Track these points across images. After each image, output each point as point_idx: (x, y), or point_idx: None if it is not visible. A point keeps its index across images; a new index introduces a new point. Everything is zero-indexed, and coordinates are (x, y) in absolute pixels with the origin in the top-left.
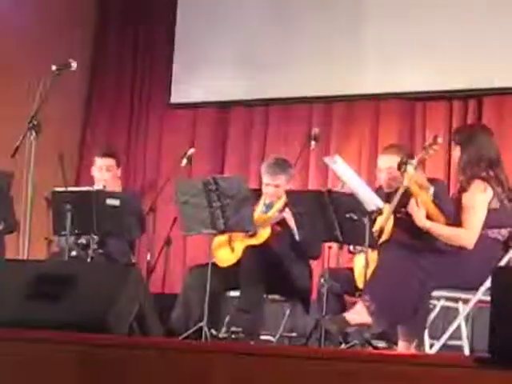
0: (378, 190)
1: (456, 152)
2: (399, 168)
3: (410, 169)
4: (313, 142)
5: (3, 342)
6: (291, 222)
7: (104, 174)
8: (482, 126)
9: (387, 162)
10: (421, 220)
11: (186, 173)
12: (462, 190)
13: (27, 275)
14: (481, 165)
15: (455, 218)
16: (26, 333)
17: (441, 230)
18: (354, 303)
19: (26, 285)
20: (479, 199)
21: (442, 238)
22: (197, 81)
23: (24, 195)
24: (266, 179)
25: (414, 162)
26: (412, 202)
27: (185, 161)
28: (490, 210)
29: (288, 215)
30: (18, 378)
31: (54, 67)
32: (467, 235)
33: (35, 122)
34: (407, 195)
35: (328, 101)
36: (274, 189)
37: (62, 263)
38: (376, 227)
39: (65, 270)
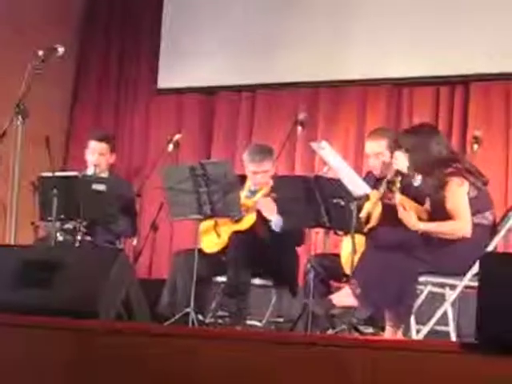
0: (367, 176)
1: (398, 158)
2: (388, 188)
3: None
4: (299, 128)
5: None
6: (266, 213)
7: (96, 158)
8: (423, 127)
9: (374, 148)
10: (414, 224)
11: (173, 158)
12: (437, 187)
13: (14, 261)
14: (440, 165)
15: (433, 213)
16: (14, 318)
17: (436, 228)
18: (341, 289)
19: (14, 271)
20: (459, 193)
21: (439, 235)
22: (184, 66)
23: (11, 180)
24: (252, 167)
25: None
26: (400, 208)
27: (171, 146)
28: (470, 200)
29: (262, 205)
30: (4, 363)
31: (40, 52)
32: (462, 225)
33: (22, 107)
34: (395, 182)
35: (315, 86)
36: (262, 175)
37: (49, 249)
38: (363, 213)
39: (52, 256)
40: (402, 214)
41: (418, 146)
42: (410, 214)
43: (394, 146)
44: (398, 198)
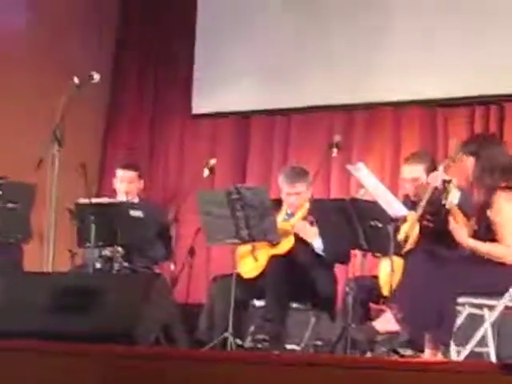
0: (405, 199)
1: (469, 163)
2: (444, 188)
3: (452, 188)
4: (334, 150)
5: (29, 353)
6: (305, 236)
7: (126, 186)
8: (491, 136)
9: (411, 173)
10: (463, 238)
11: (209, 183)
12: (485, 203)
13: (53, 287)
14: (495, 174)
15: (479, 228)
16: (52, 345)
17: (482, 247)
18: (379, 311)
19: (52, 297)
20: (507, 211)
21: (483, 254)
22: (217, 91)
23: (47, 207)
24: (286, 189)
25: (455, 180)
26: (451, 220)
27: (207, 171)
28: None
29: (299, 230)
30: None
31: (76, 80)
32: (508, 252)
33: (58, 134)
34: (433, 203)
35: (349, 109)
36: (296, 197)
37: (88, 275)
38: (401, 235)
39: (91, 282)
40: (453, 226)
41: (481, 149)
42: (462, 227)
43: (463, 151)
44: (452, 205)
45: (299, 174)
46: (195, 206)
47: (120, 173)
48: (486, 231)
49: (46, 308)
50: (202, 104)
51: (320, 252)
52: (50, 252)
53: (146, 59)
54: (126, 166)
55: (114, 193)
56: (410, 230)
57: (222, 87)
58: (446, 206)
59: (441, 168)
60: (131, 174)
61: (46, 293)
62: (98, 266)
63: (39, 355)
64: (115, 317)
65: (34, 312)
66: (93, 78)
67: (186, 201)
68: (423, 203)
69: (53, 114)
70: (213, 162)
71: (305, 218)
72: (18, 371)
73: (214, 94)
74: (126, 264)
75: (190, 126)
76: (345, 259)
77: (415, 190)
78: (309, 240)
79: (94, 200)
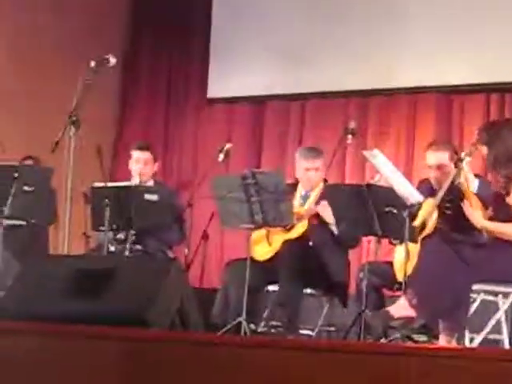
0: (421, 184)
1: (483, 151)
2: (456, 165)
3: (465, 165)
4: (349, 136)
5: (44, 336)
6: (327, 218)
7: (140, 167)
8: (505, 122)
9: (437, 159)
10: (479, 221)
11: (223, 167)
12: (503, 191)
13: (67, 270)
14: (509, 163)
15: (496, 216)
16: (66, 328)
17: (501, 228)
18: (393, 297)
19: (67, 280)
20: None
21: (500, 235)
22: (233, 76)
23: (64, 190)
24: (304, 164)
25: (468, 159)
26: (466, 203)
27: (222, 155)
28: None
29: (322, 211)
30: (58, 373)
31: (92, 63)
32: None
33: (74, 118)
34: (452, 191)
35: (365, 95)
36: (315, 173)
37: (103, 258)
38: (418, 221)
39: (105, 265)
40: (467, 209)
41: (497, 139)
42: (476, 211)
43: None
44: (464, 185)
45: (317, 151)
46: (210, 190)
47: (135, 154)
48: (504, 219)
49: (61, 291)
50: (217, 88)
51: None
52: (65, 235)
53: (161, 42)
54: (142, 147)
55: (127, 176)
56: (427, 217)
57: (238, 72)
58: (457, 184)
59: (463, 154)
60: (146, 155)
61: (61, 275)
62: (112, 249)
63: (54, 338)
64: (130, 300)
65: (49, 295)
66: (109, 62)
67: (200, 185)
68: (443, 190)
69: (69, 97)
70: (228, 146)
71: (318, 201)
72: (33, 353)
73: (230, 78)
74: (139, 247)
75: (205, 110)
76: (355, 244)
77: (441, 177)
78: (328, 220)
79: (110, 183)
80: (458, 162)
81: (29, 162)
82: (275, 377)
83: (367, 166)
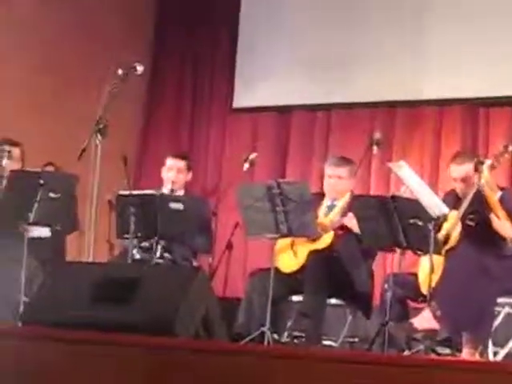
0: (447, 196)
1: None
2: (476, 169)
3: (485, 169)
4: (375, 147)
5: (69, 342)
6: (355, 228)
7: (173, 175)
8: None
9: (462, 172)
10: (507, 232)
11: (248, 177)
12: None
13: (93, 277)
14: None
15: None
16: (92, 335)
17: None
18: (417, 309)
19: (93, 287)
20: None
21: None
22: (259, 85)
23: (89, 198)
24: (328, 170)
25: (489, 162)
26: (493, 217)
27: (247, 165)
28: None
29: (349, 222)
30: (82, 380)
31: (120, 71)
32: None
33: (101, 125)
34: (476, 202)
35: (391, 106)
36: (336, 180)
37: (129, 266)
38: (442, 233)
39: (132, 273)
40: (496, 222)
41: None
42: (504, 223)
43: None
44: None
45: (343, 160)
46: (234, 200)
47: (169, 161)
48: None
49: (87, 298)
50: (242, 98)
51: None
52: (90, 243)
53: (187, 52)
54: (176, 156)
55: (151, 184)
56: (451, 229)
57: (264, 81)
58: (478, 188)
59: (484, 166)
60: (181, 163)
61: (87, 283)
62: (137, 256)
63: (79, 344)
64: (155, 308)
65: (75, 302)
66: (136, 70)
67: (225, 195)
68: (466, 202)
69: (96, 105)
70: (253, 156)
71: (344, 211)
72: (58, 360)
73: (256, 87)
74: (165, 255)
75: (230, 119)
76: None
77: (465, 190)
78: (356, 231)
79: (135, 191)
80: (478, 164)
81: (50, 168)
82: None
83: (392, 177)
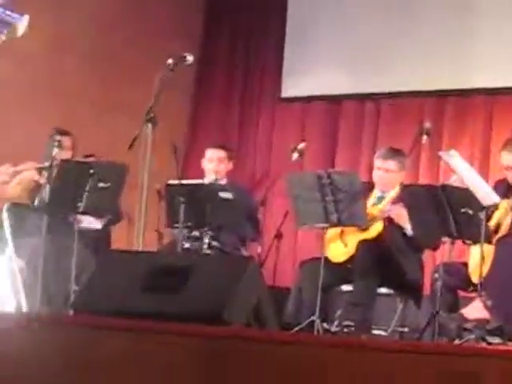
0: (498, 184)
1: None
2: None
3: None
4: (424, 137)
5: (121, 331)
6: (399, 221)
7: (215, 166)
8: None
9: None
10: None
11: (297, 166)
12: None
13: (144, 267)
14: None
15: None
16: (144, 324)
17: None
18: (469, 298)
19: (143, 276)
20: None
21: None
22: (308, 75)
23: (139, 188)
24: (376, 163)
25: None
26: None
27: (296, 154)
28: None
29: (396, 214)
30: (135, 369)
31: (169, 61)
32: None
33: (152, 115)
34: None
35: (440, 95)
36: (384, 173)
37: (180, 255)
38: (493, 222)
39: (183, 262)
40: None
41: None
42: None
43: None
44: None
45: (393, 152)
46: (283, 189)
47: (210, 152)
48: None
49: (139, 287)
50: (291, 87)
51: (410, 234)
52: (140, 232)
53: (236, 41)
54: (217, 146)
55: (199, 174)
56: (502, 218)
57: (313, 71)
58: None
59: None
60: (221, 153)
61: (139, 272)
62: (187, 245)
63: (131, 333)
64: (207, 297)
65: (126, 290)
66: (186, 60)
67: (274, 184)
68: None
69: (144, 94)
70: (302, 145)
71: (394, 201)
72: (109, 348)
73: (304, 77)
74: (213, 243)
75: (279, 109)
76: (435, 245)
77: None
78: (402, 224)
79: (184, 181)
80: None
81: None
82: (348, 376)
83: (441, 166)
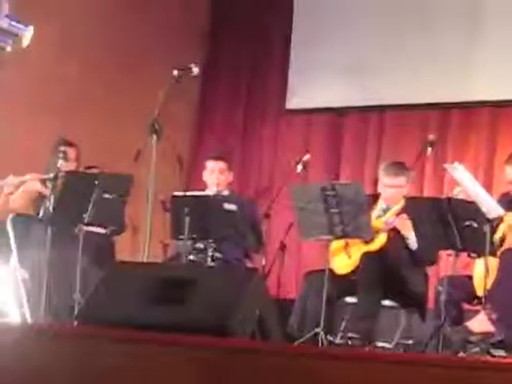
0: (502, 198)
1: None
2: None
3: None
4: (429, 149)
5: (125, 342)
6: (404, 231)
7: (216, 178)
8: None
9: None
10: None
11: (301, 178)
12: None
13: (149, 278)
14: None
15: None
16: (147, 335)
17: None
18: (472, 311)
19: (148, 288)
20: None
21: None
22: (312, 87)
23: (145, 199)
24: (386, 180)
25: None
26: None
27: (300, 166)
28: None
29: (401, 225)
30: (138, 380)
31: (175, 72)
32: None
33: (157, 126)
34: None
35: (444, 107)
36: (396, 190)
37: (184, 266)
38: (498, 235)
39: (187, 273)
40: None
41: None
42: None
43: None
44: None
45: (402, 168)
46: (287, 201)
47: (210, 164)
48: None
49: (143, 298)
50: (296, 99)
51: (414, 248)
52: (145, 243)
53: (241, 53)
54: (217, 157)
55: (204, 185)
56: (507, 231)
57: (317, 83)
58: None
59: None
60: (221, 164)
61: (143, 283)
62: (192, 257)
63: (134, 344)
64: (212, 309)
65: (131, 302)
66: (192, 71)
67: (278, 196)
68: None
69: (151, 105)
70: (306, 157)
71: (399, 213)
72: (113, 359)
73: (309, 89)
74: (216, 255)
75: (283, 120)
76: (433, 260)
77: None
78: (407, 235)
79: (189, 192)
80: None
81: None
82: None
83: (446, 178)
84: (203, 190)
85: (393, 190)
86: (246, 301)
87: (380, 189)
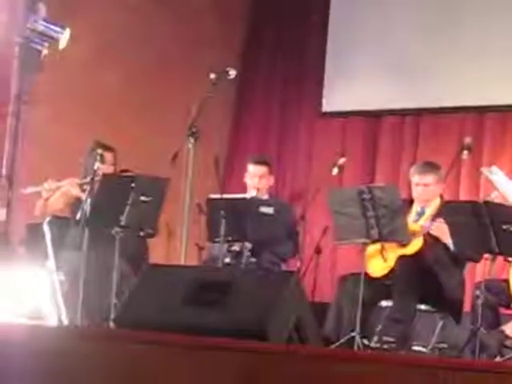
0: None
1: None
2: None
3: None
4: (465, 152)
5: (162, 346)
6: (442, 237)
7: (257, 181)
8: None
9: None
10: None
11: (337, 181)
12: None
13: (186, 280)
14: None
15: None
16: (185, 338)
17: None
18: (509, 315)
19: (185, 290)
20: None
21: None
22: (348, 90)
23: (181, 202)
24: (414, 179)
25: None
26: None
27: (336, 169)
28: None
29: (437, 231)
30: (175, 382)
31: (212, 75)
32: None
33: (194, 129)
34: None
35: (481, 111)
36: (423, 188)
37: (222, 270)
38: None
39: (225, 277)
40: None
41: None
42: None
43: None
44: None
45: (430, 166)
46: (323, 204)
47: (251, 168)
48: None
49: (181, 301)
50: (332, 102)
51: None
52: (182, 246)
53: (277, 55)
54: (258, 162)
55: (240, 188)
56: None
57: (353, 86)
58: None
59: None
60: (262, 169)
61: (181, 286)
62: (227, 260)
63: (172, 347)
64: (250, 312)
65: (168, 305)
66: (228, 74)
67: (314, 199)
68: None
69: (187, 108)
70: (342, 160)
71: (434, 217)
72: (149, 363)
73: (345, 92)
74: (253, 259)
75: (319, 123)
76: (477, 258)
77: None
78: (445, 240)
79: (226, 195)
80: None
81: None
82: None
83: (482, 182)
84: (240, 192)
85: (420, 188)
86: (283, 304)
87: (412, 189)
